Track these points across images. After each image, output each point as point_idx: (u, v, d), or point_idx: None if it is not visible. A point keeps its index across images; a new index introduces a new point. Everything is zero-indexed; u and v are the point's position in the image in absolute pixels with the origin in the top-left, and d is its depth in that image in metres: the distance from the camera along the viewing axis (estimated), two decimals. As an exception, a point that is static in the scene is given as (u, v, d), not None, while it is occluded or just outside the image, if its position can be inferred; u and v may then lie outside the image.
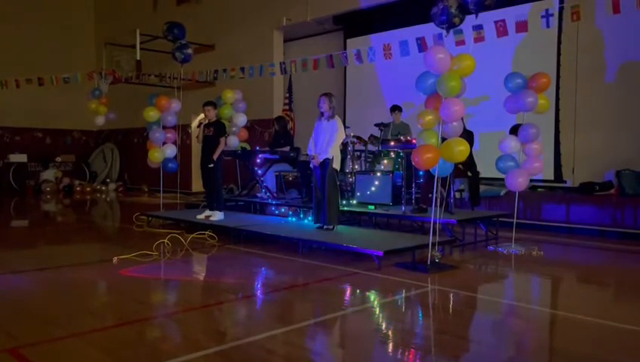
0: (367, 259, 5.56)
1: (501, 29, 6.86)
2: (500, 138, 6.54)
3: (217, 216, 7.66)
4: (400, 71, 9.86)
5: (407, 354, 3.25)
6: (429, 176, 6.54)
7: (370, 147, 8.73)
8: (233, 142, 9.67)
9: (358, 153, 8.74)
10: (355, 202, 8.04)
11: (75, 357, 3.13)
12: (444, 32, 6.20)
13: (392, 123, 8.64)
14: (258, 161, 9.10)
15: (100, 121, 11.47)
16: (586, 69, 8.53)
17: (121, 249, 6.12)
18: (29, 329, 3.61)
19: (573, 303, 4.53)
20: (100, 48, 15.25)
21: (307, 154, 7.02)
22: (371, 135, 8.59)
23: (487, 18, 7.17)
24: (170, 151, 8.80)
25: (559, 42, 8.72)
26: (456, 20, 5.94)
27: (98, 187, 15.93)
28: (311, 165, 6.77)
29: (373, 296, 4.57)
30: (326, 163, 6.51)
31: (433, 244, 5.39)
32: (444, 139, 5.31)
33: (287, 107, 12.67)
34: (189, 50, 9.54)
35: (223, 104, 9.83)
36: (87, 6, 17.80)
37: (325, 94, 6.65)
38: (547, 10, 7.15)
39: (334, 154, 6.53)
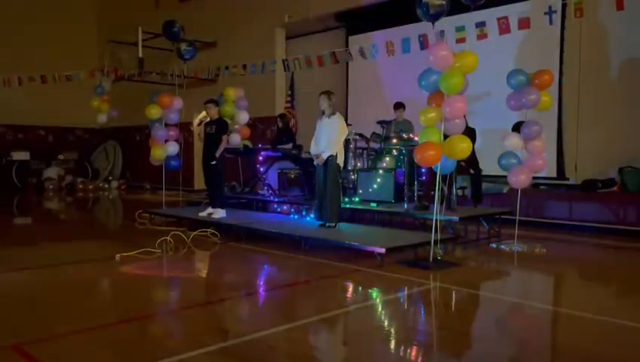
0: (369, 257, 5.56)
1: (504, 26, 6.84)
2: (503, 135, 6.53)
3: (219, 213, 7.66)
4: (402, 68, 9.83)
5: (409, 351, 3.25)
6: (432, 173, 6.53)
7: (373, 144, 8.72)
8: (235, 139, 9.67)
9: (361, 150, 8.73)
10: (357, 199, 8.04)
11: (78, 354, 3.14)
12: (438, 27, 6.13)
13: (394, 120, 8.63)
14: (260, 158, 9.10)
15: (102, 119, 11.50)
16: (589, 66, 8.48)
17: (124, 246, 6.12)
18: (33, 325, 3.62)
19: (575, 300, 4.52)
20: (103, 46, 15.28)
21: (309, 153, 7.01)
22: (373, 132, 8.58)
23: (490, 15, 7.17)
24: (173, 148, 8.80)
25: (562, 39, 8.67)
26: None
27: (100, 185, 15.94)
28: (315, 163, 6.76)
29: (375, 293, 4.57)
30: (329, 160, 6.52)
31: (435, 241, 5.39)
32: (446, 137, 5.30)
33: (289, 105, 12.66)
34: (189, 47, 9.54)
35: (225, 101, 9.82)
36: (89, 3, 17.80)
37: (324, 92, 6.65)
38: (550, 7, 7.13)
39: (337, 150, 6.53)
